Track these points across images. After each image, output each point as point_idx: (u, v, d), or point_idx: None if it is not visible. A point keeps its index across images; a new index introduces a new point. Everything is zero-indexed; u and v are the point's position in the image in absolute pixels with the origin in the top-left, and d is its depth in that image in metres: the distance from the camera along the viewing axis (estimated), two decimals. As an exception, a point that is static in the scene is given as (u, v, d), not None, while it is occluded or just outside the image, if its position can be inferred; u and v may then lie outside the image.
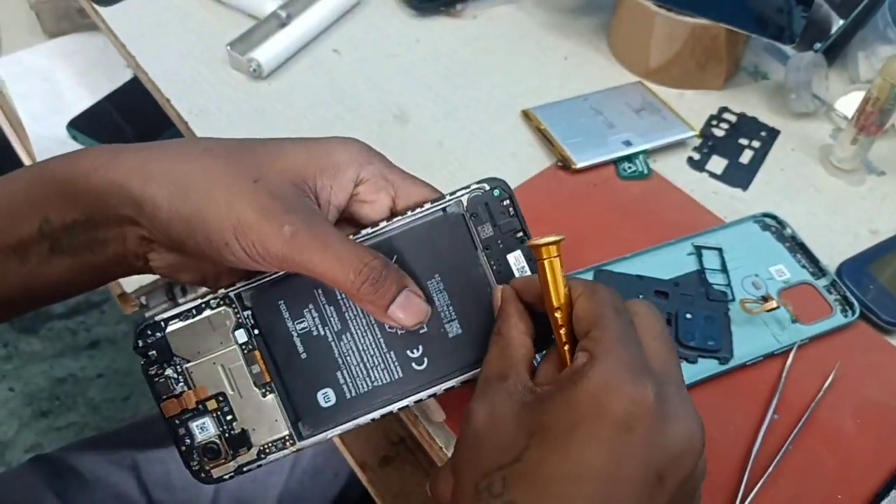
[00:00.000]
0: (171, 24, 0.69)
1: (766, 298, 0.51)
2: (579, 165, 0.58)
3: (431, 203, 0.40)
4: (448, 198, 0.40)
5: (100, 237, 0.38)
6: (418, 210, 0.40)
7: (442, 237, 0.40)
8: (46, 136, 0.91)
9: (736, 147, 0.63)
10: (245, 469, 0.38)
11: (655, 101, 0.64)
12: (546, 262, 0.36)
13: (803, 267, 0.53)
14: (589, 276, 0.51)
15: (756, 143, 0.63)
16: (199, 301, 0.39)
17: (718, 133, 0.64)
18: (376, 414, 0.39)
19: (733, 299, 0.51)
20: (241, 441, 0.38)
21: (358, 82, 0.66)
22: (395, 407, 0.39)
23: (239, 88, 0.64)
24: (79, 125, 0.95)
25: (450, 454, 0.44)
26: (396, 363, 0.39)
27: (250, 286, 0.39)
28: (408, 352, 0.39)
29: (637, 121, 0.62)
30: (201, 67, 0.65)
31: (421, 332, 0.39)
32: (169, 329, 0.39)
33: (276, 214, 0.35)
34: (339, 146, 0.39)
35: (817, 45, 0.64)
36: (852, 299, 0.51)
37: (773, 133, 0.64)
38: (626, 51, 0.69)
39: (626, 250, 0.53)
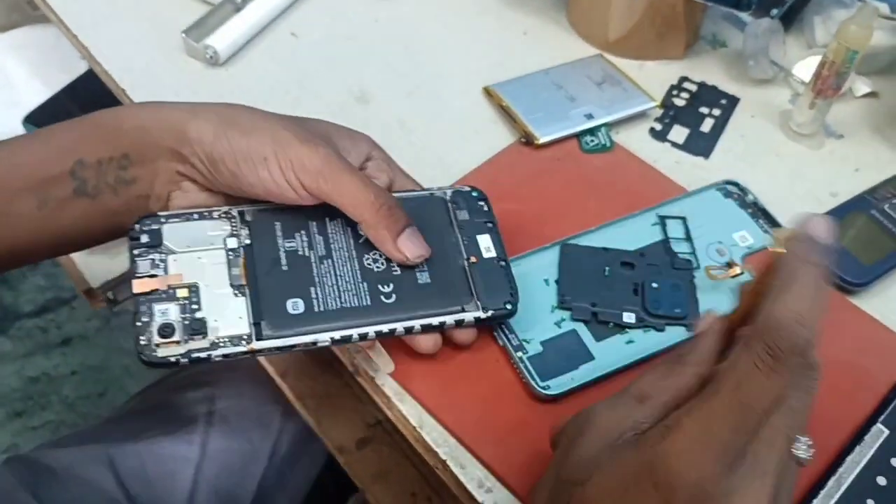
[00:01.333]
0: (124, 11, 0.68)
1: (730, 265, 0.51)
2: (542, 140, 0.58)
3: (421, 189, 0.48)
4: (436, 189, 0.48)
5: (129, 176, 0.42)
6: (411, 191, 0.48)
7: (427, 211, 0.47)
8: (2, 132, 0.89)
9: (697, 116, 0.63)
10: (193, 356, 0.39)
11: (616, 73, 0.65)
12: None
13: (766, 232, 0.54)
14: (555, 251, 0.51)
15: (716, 112, 0.64)
16: (204, 210, 0.44)
17: (679, 103, 0.64)
18: (336, 334, 0.41)
19: (698, 267, 0.51)
20: (198, 328, 0.39)
21: (317, 65, 0.65)
22: (356, 332, 0.41)
23: (196, 76, 0.63)
24: (35, 119, 0.93)
25: (424, 433, 0.44)
26: (367, 293, 0.43)
27: (254, 207, 0.44)
28: (380, 286, 0.43)
29: (598, 93, 0.63)
30: (157, 56, 0.64)
31: (395, 273, 0.44)
32: (167, 223, 0.43)
33: (314, 140, 0.41)
34: (357, 131, 0.48)
35: (774, 12, 0.65)
36: (814, 261, 0.52)
37: (733, 101, 0.65)
38: (586, 23, 0.69)
39: (591, 223, 0.53)
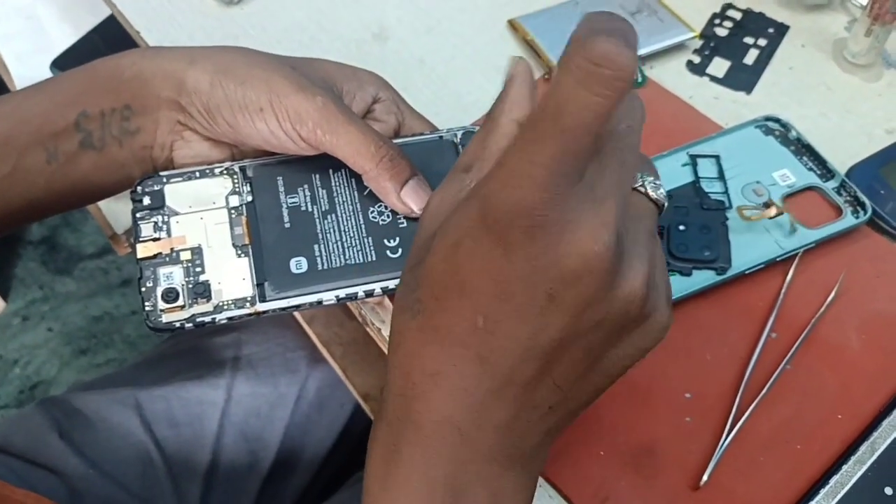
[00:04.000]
0: (141, -49, 0.66)
1: (768, 205, 0.48)
2: (568, 76, 0.55)
3: (430, 132, 0.45)
4: (445, 131, 0.45)
5: (132, 126, 0.41)
6: (419, 135, 0.45)
7: (435, 156, 0.44)
8: (31, 76, 0.88)
9: (740, 47, 0.58)
10: (198, 320, 0.38)
11: (652, 2, 0.60)
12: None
13: (810, 170, 0.50)
14: (575, 194, 0.48)
15: (762, 42, 0.59)
16: (206, 168, 0.42)
17: (721, 33, 0.59)
18: (342, 292, 0.40)
19: (731, 207, 0.48)
20: (201, 292, 0.39)
21: (335, 1, 0.62)
22: (361, 289, 0.40)
23: (211, 15, 0.61)
24: (62, 64, 0.93)
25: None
26: (372, 248, 0.41)
27: (255, 162, 0.43)
28: (385, 240, 0.41)
29: (632, 24, 0.58)
30: (172, -5, 0.63)
31: (401, 225, 0.42)
32: (168, 183, 0.42)
33: (310, 88, 0.39)
34: (364, 70, 0.45)
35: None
36: (864, 199, 0.48)
37: (782, 29, 0.60)
38: (623, -52, 0.64)
39: (616, 164, 0.50)
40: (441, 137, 0.45)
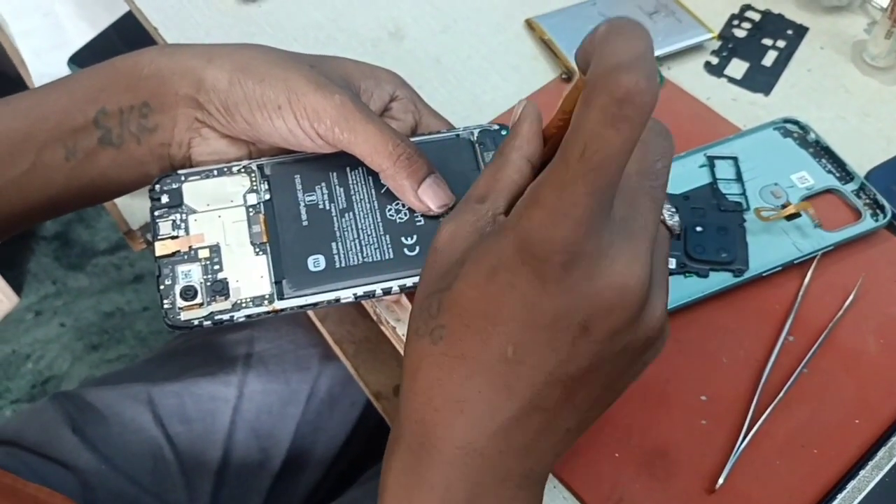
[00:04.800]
0: (159, -52, 0.66)
1: (786, 206, 0.47)
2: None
3: (447, 130, 0.45)
4: (462, 129, 0.45)
5: (150, 123, 0.41)
6: (436, 133, 0.45)
7: (452, 154, 0.44)
8: (49, 73, 0.89)
9: (759, 48, 0.58)
10: (216, 318, 0.38)
11: (671, 2, 0.60)
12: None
13: (829, 172, 0.49)
14: (591, 195, 0.48)
15: (781, 43, 0.58)
16: (223, 166, 0.42)
17: (740, 34, 0.59)
18: (359, 290, 0.40)
19: (748, 209, 0.48)
20: (220, 290, 0.39)
21: (352, 0, 0.62)
22: (378, 287, 0.40)
23: (228, 13, 0.61)
24: (80, 60, 0.93)
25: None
26: (390, 246, 0.41)
27: (273, 160, 0.43)
28: (402, 238, 0.41)
29: (650, 25, 0.58)
30: (190, -8, 0.63)
31: (418, 223, 0.41)
32: (186, 181, 0.42)
33: (329, 87, 0.39)
34: (382, 68, 0.45)
35: (851, -71, 0.58)
36: (884, 202, 0.47)
37: (801, 31, 0.59)
38: (640, -52, 0.63)
39: (633, 165, 0.50)
40: (458, 136, 0.45)
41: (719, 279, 0.45)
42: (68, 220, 1.55)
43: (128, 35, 0.93)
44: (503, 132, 0.45)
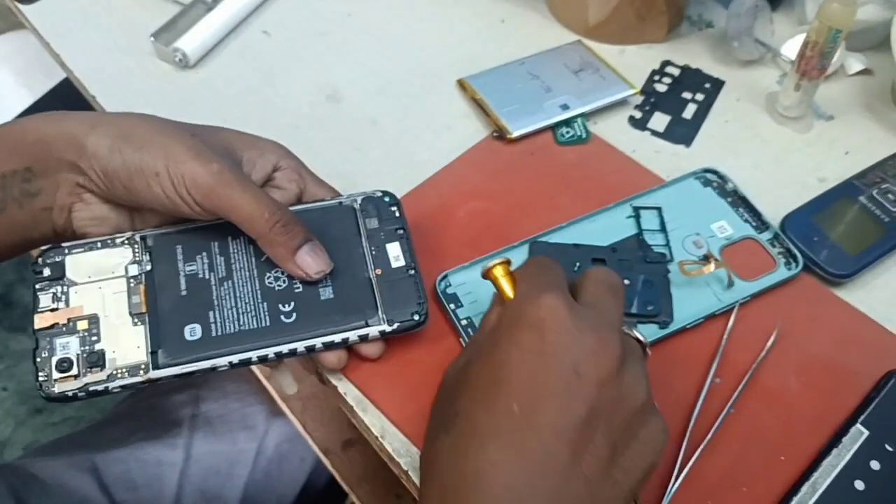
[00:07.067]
0: (95, 18, 0.67)
1: (707, 257, 0.50)
2: (515, 134, 0.57)
3: (331, 198, 0.47)
4: (346, 196, 0.47)
5: (33, 188, 0.41)
6: (320, 201, 0.46)
7: (333, 221, 0.46)
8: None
9: (679, 102, 0.61)
10: (91, 388, 0.39)
11: (595, 60, 0.63)
12: (500, 280, 0.40)
13: (746, 221, 0.52)
14: (523, 249, 0.50)
15: (700, 96, 0.61)
16: (107, 238, 0.43)
17: (661, 88, 0.62)
18: (234, 358, 0.41)
19: (672, 260, 0.50)
20: (95, 361, 0.40)
21: (289, 63, 0.64)
22: (255, 354, 0.41)
23: (165, 80, 0.62)
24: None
25: (386, 444, 0.44)
26: (267, 313, 0.42)
27: (156, 231, 0.44)
28: (280, 305, 0.43)
29: (576, 82, 0.61)
30: (128, 61, 0.63)
31: (296, 290, 0.43)
32: (70, 254, 0.43)
33: (207, 155, 0.41)
34: (265, 139, 0.47)
35: (758, -11, 0.62)
36: (795, 251, 0.50)
37: (718, 84, 0.63)
38: (565, 9, 0.67)
39: (563, 219, 0.52)
40: (341, 203, 0.47)
41: (647, 332, 0.47)
42: (10, 281, 1.52)
43: (67, 99, 0.93)
44: (385, 199, 0.47)
